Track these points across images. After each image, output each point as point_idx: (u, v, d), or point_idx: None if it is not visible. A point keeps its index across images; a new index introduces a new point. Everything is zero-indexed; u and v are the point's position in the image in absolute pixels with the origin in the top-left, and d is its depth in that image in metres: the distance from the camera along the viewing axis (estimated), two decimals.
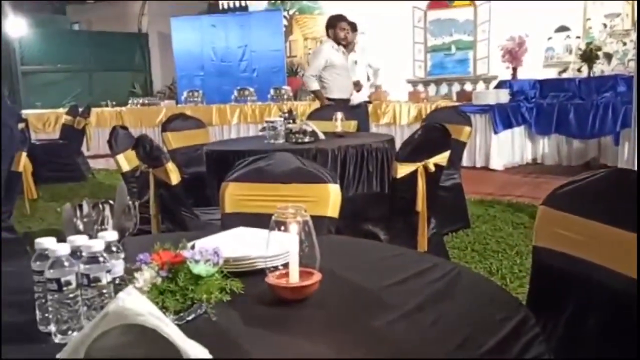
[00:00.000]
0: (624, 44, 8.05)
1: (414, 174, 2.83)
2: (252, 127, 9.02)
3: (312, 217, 1.89)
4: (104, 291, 0.99)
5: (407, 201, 2.87)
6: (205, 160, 3.69)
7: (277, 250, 1.17)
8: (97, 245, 0.99)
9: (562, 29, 8.54)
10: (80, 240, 1.02)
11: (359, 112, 5.61)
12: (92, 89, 12.79)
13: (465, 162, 6.55)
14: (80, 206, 1.12)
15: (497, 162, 6.96)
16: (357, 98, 5.71)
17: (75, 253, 1.02)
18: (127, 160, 3.50)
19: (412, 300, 1.09)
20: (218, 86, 10.76)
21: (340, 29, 5.42)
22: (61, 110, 9.64)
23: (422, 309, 1.06)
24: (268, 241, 1.17)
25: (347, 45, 5.59)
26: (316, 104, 6.49)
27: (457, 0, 9.30)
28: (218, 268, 1.07)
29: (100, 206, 1.12)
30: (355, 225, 3.02)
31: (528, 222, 4.35)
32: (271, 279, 1.15)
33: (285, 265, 1.16)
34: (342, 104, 5.29)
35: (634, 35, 7.71)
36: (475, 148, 7.06)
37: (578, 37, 8.39)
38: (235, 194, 2.07)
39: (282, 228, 1.16)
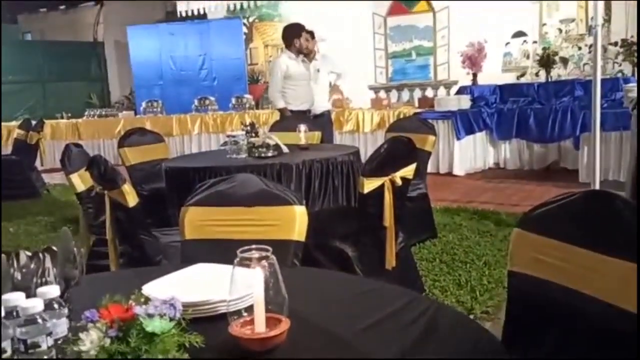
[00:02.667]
0: (579, 48, 8.21)
1: (380, 189, 2.77)
2: (213, 138, 8.87)
3: (278, 241, 1.83)
4: (45, 357, 0.87)
5: (375, 216, 2.81)
6: (164, 178, 3.55)
7: (239, 292, 1.07)
8: (35, 305, 0.88)
9: (519, 34, 8.66)
10: (16, 299, 0.90)
11: (323, 122, 5.53)
12: (46, 100, 12.41)
13: (429, 168, 6.53)
14: (17, 255, 0.99)
15: (460, 168, 6.99)
16: (320, 107, 5.63)
17: (10, 313, 0.90)
18: (81, 180, 3.33)
19: (390, 347, 1.00)
20: (178, 95, 10.56)
21: (305, 39, 5.35)
22: (13, 123, 9.28)
23: (400, 358, 0.98)
24: (231, 283, 1.07)
25: (309, 54, 5.51)
26: (277, 114, 6.39)
27: (417, 3, 9.34)
28: (175, 322, 0.96)
29: (40, 256, 1.00)
30: (322, 242, 2.94)
31: (494, 230, 4.35)
32: (235, 328, 1.04)
33: (249, 309, 1.06)
34: (303, 116, 5.22)
35: (588, 40, 7.87)
36: (438, 154, 7.07)
37: (535, 42, 8.53)
38: (196, 220, 1.97)
39: (248, 267, 1.06)
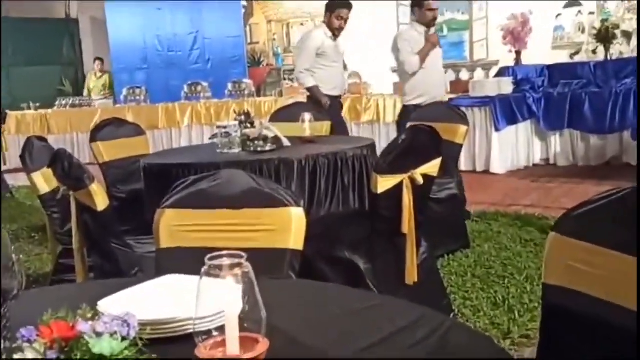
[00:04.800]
0: None
1: (398, 188, 2.76)
2: (207, 130, 8.91)
3: (270, 250, 1.84)
4: None
5: (391, 221, 2.81)
6: (143, 177, 3.57)
7: (209, 308, 1.07)
8: None
9: (573, 4, 8.60)
10: None
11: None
12: (11, 88, 12.50)
13: (462, 165, 6.52)
14: None
15: (500, 165, 6.97)
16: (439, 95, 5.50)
17: None
18: (45, 180, 3.36)
19: None
20: (165, 81, 10.65)
21: (337, 18, 5.33)
22: None
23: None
24: (198, 298, 1.07)
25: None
26: (283, 101, 6.39)
27: None
28: (129, 342, 0.95)
29: None
30: (329, 252, 2.95)
31: (539, 239, 4.32)
32: (203, 351, 1.04)
33: (221, 328, 1.06)
34: (336, 102, 5.25)
35: None
36: (474, 149, 7.05)
37: (592, 14, 8.46)
38: (173, 224, 1.97)
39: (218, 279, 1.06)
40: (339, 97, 5.60)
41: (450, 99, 7.11)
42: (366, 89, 8.56)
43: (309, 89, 5.42)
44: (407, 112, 5.23)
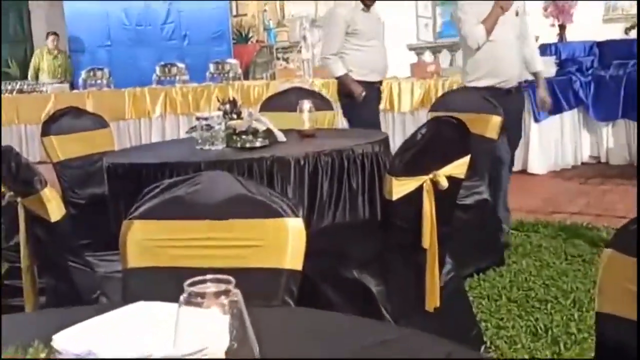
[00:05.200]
0: None
1: (417, 193, 2.77)
2: (183, 121, 8.95)
3: (262, 271, 1.84)
4: None
5: (409, 234, 2.82)
6: (106, 179, 3.59)
7: (189, 344, 1.07)
8: None
9: None
10: None
11: (517, 101, 4.99)
12: None
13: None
14: None
15: (540, 164, 7.01)
16: (520, 73, 5.01)
17: None
18: None
19: None
20: (133, 61, 10.69)
21: None
22: None
23: None
24: (176, 331, 1.06)
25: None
26: (276, 86, 6.39)
27: None
28: None
29: None
30: (333, 272, 2.96)
31: (588, 254, 4.35)
32: None
33: None
34: (374, 90, 5.27)
35: None
36: None
37: None
38: (144, 238, 1.98)
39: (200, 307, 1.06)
40: (378, 82, 5.53)
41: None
42: None
43: (338, 79, 5.42)
44: None
